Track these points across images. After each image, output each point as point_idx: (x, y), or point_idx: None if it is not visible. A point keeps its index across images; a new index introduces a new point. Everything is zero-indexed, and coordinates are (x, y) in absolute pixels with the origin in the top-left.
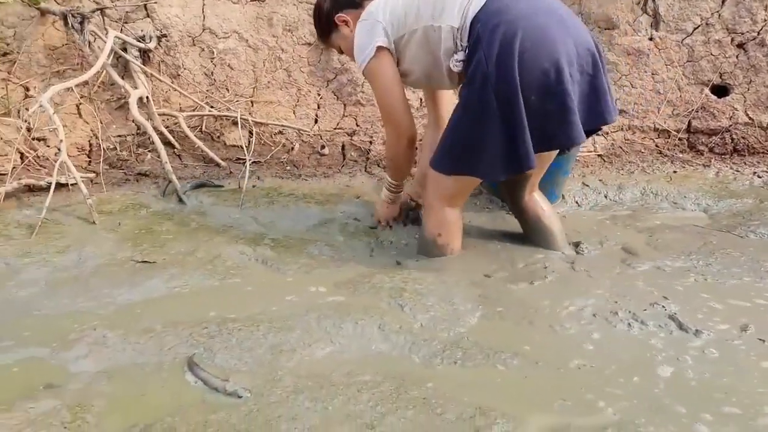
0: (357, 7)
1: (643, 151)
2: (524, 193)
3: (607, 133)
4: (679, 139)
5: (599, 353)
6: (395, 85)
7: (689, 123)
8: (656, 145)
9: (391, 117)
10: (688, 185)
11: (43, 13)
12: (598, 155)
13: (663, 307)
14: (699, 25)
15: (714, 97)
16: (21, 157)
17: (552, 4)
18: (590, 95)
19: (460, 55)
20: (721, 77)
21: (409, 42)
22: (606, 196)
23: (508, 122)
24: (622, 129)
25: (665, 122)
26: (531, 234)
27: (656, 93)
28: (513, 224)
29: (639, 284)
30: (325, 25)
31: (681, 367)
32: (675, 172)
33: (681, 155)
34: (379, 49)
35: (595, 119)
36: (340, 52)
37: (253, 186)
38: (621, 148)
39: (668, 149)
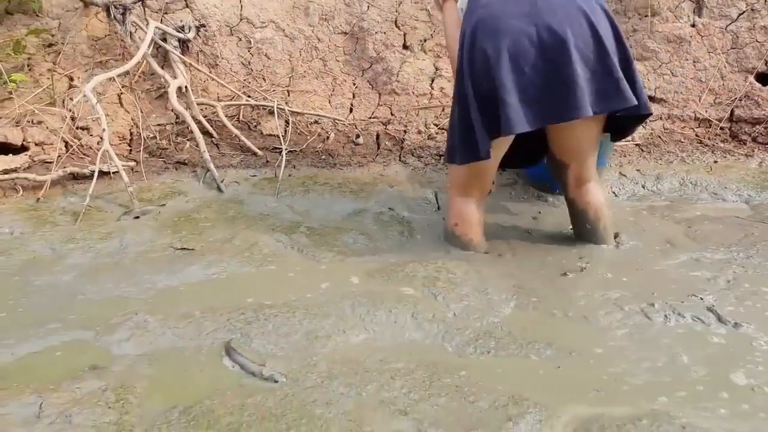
0: None
1: (682, 140)
2: (569, 184)
3: (646, 122)
4: (721, 128)
5: (634, 344)
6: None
7: (732, 112)
8: (696, 135)
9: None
10: (729, 175)
11: (87, 4)
12: (636, 145)
13: (701, 299)
14: (744, 11)
15: (759, 85)
16: (66, 146)
17: None
18: (557, 85)
19: None
20: (766, 64)
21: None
22: (644, 186)
23: (467, 111)
24: (661, 118)
25: (706, 111)
26: (575, 226)
27: (698, 81)
28: (548, 213)
29: (677, 276)
30: None
31: (717, 360)
32: (716, 162)
33: (722, 145)
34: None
35: (561, 112)
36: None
37: (289, 175)
38: (660, 137)
39: (709, 139)
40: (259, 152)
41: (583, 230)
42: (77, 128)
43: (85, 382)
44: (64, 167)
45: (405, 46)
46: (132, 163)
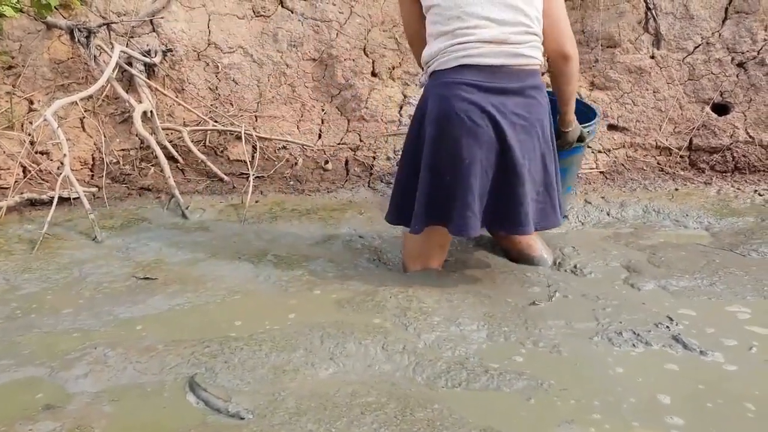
0: None
1: (645, 168)
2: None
3: (609, 150)
4: (681, 156)
5: (604, 374)
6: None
7: (690, 141)
8: (658, 163)
9: None
10: (689, 203)
11: (50, 27)
12: (600, 172)
13: (667, 327)
14: (699, 44)
15: (715, 116)
16: (24, 171)
17: None
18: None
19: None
20: (721, 96)
21: None
22: (608, 214)
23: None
24: (624, 146)
25: (667, 140)
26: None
27: (658, 111)
28: None
29: (643, 304)
30: None
31: (685, 388)
32: (677, 189)
33: (682, 173)
34: None
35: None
36: None
37: (256, 201)
38: (623, 165)
39: (670, 167)
40: (226, 178)
41: (527, 262)
42: (36, 153)
43: (38, 423)
44: (22, 193)
45: (374, 74)
46: (94, 189)
